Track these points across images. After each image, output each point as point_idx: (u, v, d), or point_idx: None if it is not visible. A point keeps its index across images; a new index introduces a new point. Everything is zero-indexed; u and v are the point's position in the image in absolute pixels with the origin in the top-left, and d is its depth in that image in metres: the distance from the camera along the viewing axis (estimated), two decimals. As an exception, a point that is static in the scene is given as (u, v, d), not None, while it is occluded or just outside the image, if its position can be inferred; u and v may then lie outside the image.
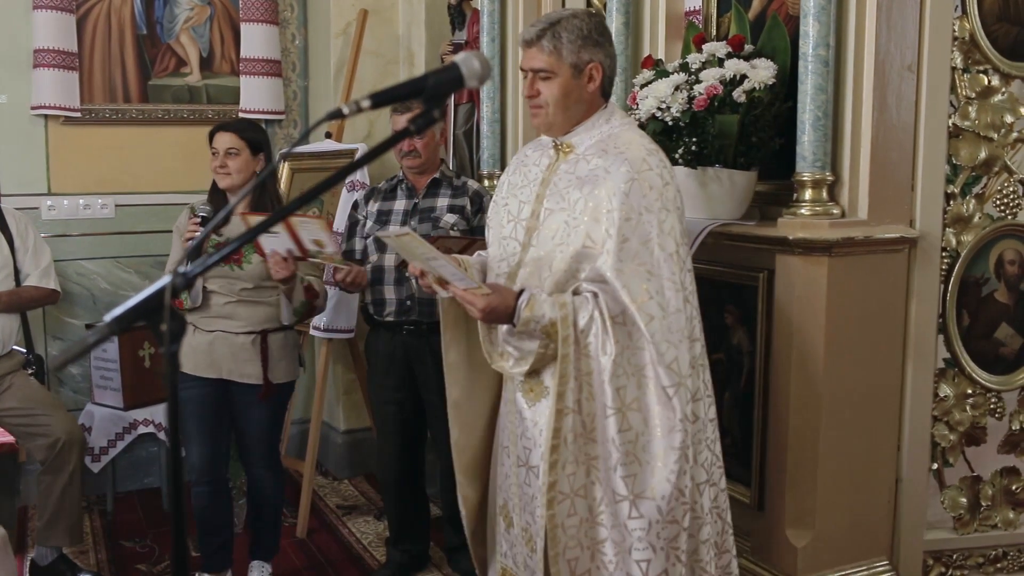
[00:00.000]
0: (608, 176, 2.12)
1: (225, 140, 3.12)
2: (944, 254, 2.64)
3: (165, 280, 1.21)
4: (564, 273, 2.15)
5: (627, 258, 2.07)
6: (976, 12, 2.61)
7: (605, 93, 2.27)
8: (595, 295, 2.09)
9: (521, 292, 2.14)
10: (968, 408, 2.73)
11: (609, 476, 2.11)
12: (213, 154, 3.14)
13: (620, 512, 2.10)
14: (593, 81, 2.21)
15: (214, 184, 3.22)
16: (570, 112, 2.22)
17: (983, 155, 2.65)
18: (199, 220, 3.08)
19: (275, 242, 2.92)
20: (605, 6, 3.23)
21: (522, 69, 2.26)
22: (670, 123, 2.65)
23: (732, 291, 2.72)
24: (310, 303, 3.15)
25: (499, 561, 2.45)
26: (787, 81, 2.60)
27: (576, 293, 2.14)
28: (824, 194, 2.50)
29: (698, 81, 2.64)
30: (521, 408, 2.26)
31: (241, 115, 4.60)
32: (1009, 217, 2.71)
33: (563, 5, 3.57)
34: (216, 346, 3.15)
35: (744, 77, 2.58)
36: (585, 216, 2.13)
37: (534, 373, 2.20)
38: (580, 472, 2.13)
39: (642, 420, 2.10)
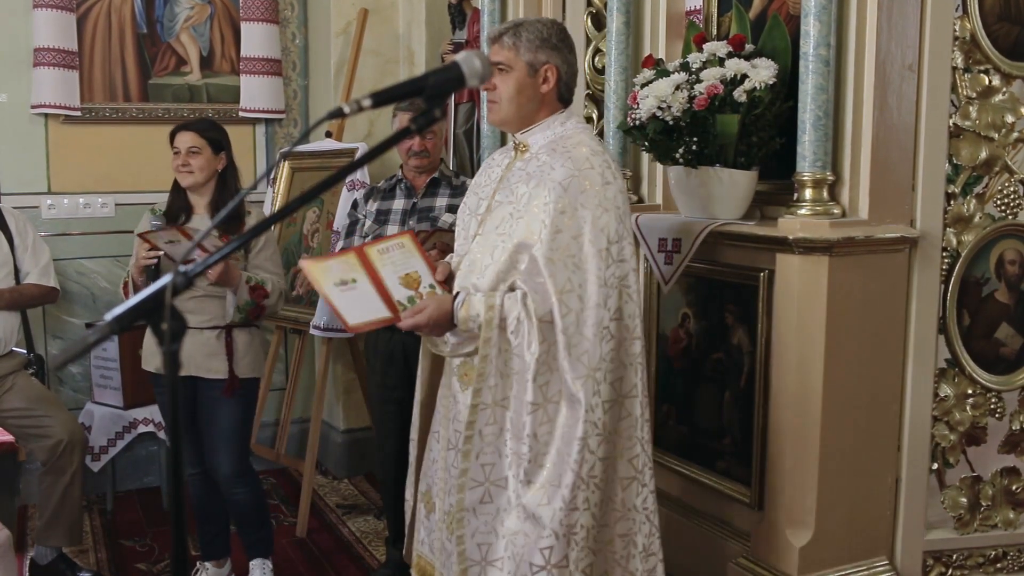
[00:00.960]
0: (552, 172, 2.22)
1: (187, 139, 3.16)
2: (944, 254, 2.64)
3: (166, 279, 1.21)
4: (505, 263, 2.23)
5: (557, 248, 2.15)
6: (977, 12, 2.60)
7: (563, 99, 2.37)
8: (524, 295, 2.16)
9: (457, 295, 2.22)
10: (968, 408, 2.72)
11: (526, 467, 2.18)
12: (175, 153, 3.17)
13: (531, 501, 2.17)
14: (547, 83, 2.32)
15: (175, 184, 3.24)
16: (522, 110, 2.32)
17: (984, 155, 2.65)
18: (153, 245, 3.03)
19: (175, 250, 2.95)
20: (606, 6, 3.22)
21: None
22: (671, 123, 2.65)
23: (732, 291, 2.72)
24: (256, 303, 3.13)
25: (416, 549, 2.50)
26: (788, 81, 2.60)
27: (512, 289, 2.21)
28: (824, 194, 2.50)
29: (699, 80, 2.64)
30: (455, 392, 2.33)
31: (241, 114, 4.60)
32: (1010, 217, 2.70)
33: (563, 7, 3.57)
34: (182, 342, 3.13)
35: (745, 77, 2.57)
36: (528, 209, 2.22)
37: (469, 359, 2.28)
38: (500, 464, 2.21)
39: (558, 411, 2.18)
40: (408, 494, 2.57)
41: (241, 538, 3.44)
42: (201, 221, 3.20)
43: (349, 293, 2.20)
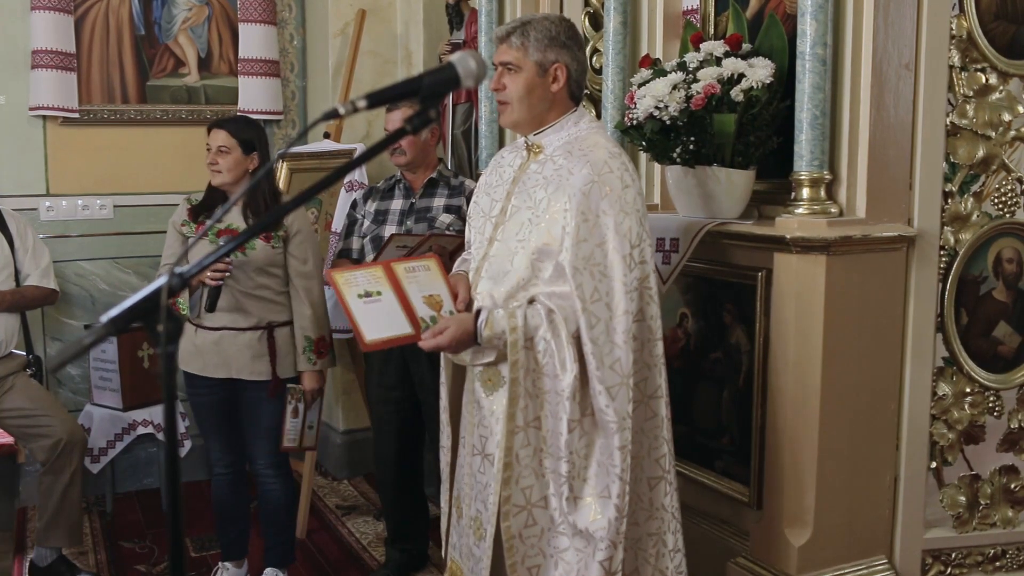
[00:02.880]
0: (571, 177, 2.20)
1: (218, 138, 3.14)
2: (942, 252, 2.64)
3: (161, 281, 1.21)
4: (526, 270, 2.21)
5: (582, 257, 2.14)
6: (973, 10, 2.60)
7: (574, 96, 2.34)
8: (550, 312, 2.14)
9: (479, 312, 2.20)
10: (967, 406, 2.72)
11: (570, 484, 2.17)
12: (207, 149, 3.16)
13: (583, 518, 2.16)
14: (557, 81, 2.29)
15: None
16: (534, 110, 2.30)
17: (981, 153, 2.65)
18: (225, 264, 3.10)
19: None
20: (603, 5, 3.23)
21: (493, 64, 2.35)
22: (668, 122, 2.65)
23: (730, 290, 2.72)
24: (322, 351, 3.29)
25: (449, 554, 2.50)
26: (785, 80, 2.60)
27: (532, 301, 2.19)
28: (822, 193, 2.50)
29: (696, 80, 2.64)
30: (479, 397, 2.32)
31: (239, 115, 4.60)
32: (1007, 215, 2.70)
33: (560, 7, 3.57)
34: (223, 345, 3.16)
35: (742, 76, 2.57)
36: (547, 215, 2.20)
37: (491, 364, 2.27)
38: (539, 484, 2.21)
39: (593, 424, 2.18)
40: (443, 501, 2.56)
41: (263, 538, 3.45)
42: (235, 218, 3.19)
43: (372, 305, 2.21)
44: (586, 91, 3.49)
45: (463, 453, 2.40)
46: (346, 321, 3.98)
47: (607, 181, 2.17)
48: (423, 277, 2.25)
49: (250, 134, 3.18)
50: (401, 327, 2.23)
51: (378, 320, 2.23)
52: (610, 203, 2.16)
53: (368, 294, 2.21)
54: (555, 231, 2.17)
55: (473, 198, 2.51)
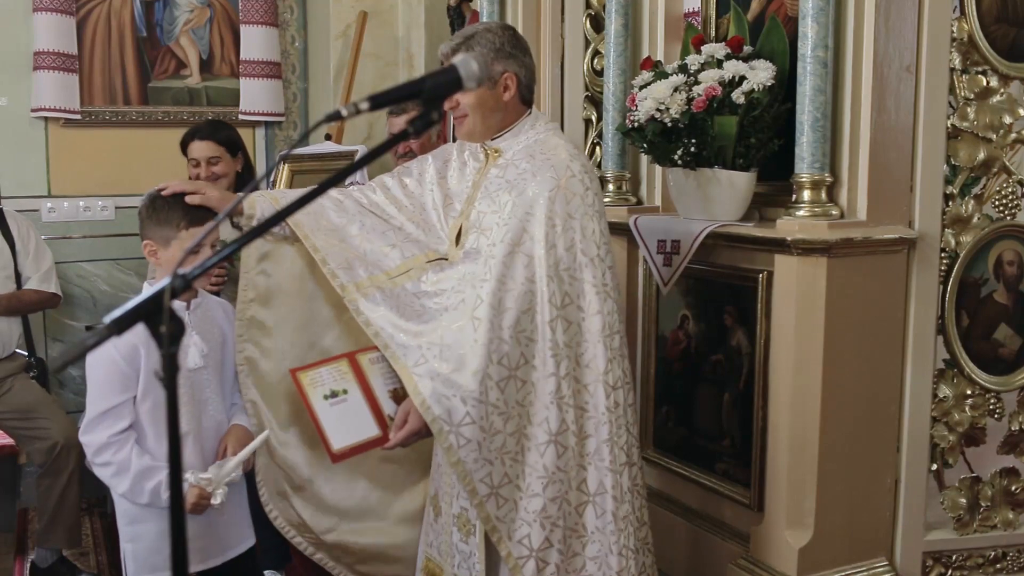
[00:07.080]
0: (535, 180, 2.23)
1: (204, 149, 3.12)
2: (943, 255, 2.64)
3: (164, 282, 1.22)
4: (497, 282, 2.18)
5: (551, 264, 2.17)
6: (974, 13, 2.61)
7: (525, 100, 2.37)
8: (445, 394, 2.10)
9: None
10: (967, 409, 2.73)
11: (569, 490, 2.19)
12: (192, 164, 3.12)
13: (588, 516, 2.20)
14: (508, 90, 2.31)
15: None
16: (488, 120, 2.33)
17: (982, 156, 2.65)
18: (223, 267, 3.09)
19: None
20: (604, 8, 3.23)
21: None
22: (669, 124, 2.66)
23: (731, 292, 2.73)
24: None
25: (424, 552, 2.50)
26: (786, 82, 2.61)
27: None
28: (823, 195, 2.50)
29: (697, 82, 2.64)
30: None
31: (241, 117, 4.61)
32: (1008, 218, 2.71)
33: (562, 9, 3.57)
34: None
35: (743, 78, 2.58)
36: (514, 218, 2.22)
37: None
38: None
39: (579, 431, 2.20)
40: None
41: (259, 541, 3.43)
42: (223, 229, 3.18)
43: (338, 407, 2.20)
44: (587, 93, 3.50)
45: (440, 453, 2.39)
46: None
47: (571, 186, 2.21)
48: (388, 368, 2.24)
49: (231, 136, 3.16)
50: (369, 429, 2.22)
51: (345, 424, 2.20)
52: (575, 207, 2.20)
53: (334, 394, 2.20)
54: (516, 234, 2.19)
55: (427, 176, 2.52)
